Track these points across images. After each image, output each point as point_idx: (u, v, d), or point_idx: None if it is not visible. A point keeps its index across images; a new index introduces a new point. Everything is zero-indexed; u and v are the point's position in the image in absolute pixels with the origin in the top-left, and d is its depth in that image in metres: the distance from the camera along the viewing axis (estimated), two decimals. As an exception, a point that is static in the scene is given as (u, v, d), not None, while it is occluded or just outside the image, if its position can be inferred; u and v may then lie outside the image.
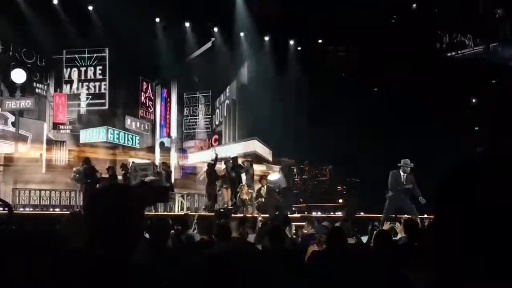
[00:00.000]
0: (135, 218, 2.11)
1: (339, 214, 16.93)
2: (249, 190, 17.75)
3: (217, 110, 26.79)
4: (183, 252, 6.23)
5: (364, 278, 3.38)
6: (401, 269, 3.74)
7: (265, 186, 17.77)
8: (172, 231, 8.39)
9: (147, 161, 21.09)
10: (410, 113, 20.49)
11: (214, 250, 5.72)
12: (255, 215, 15.57)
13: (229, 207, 16.73)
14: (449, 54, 22.25)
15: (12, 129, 21.82)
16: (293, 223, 11.09)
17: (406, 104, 20.59)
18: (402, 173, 13.13)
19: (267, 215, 15.24)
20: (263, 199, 17.24)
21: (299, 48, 24.79)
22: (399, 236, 8.67)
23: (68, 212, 13.41)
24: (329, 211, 17.88)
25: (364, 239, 8.78)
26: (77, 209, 14.57)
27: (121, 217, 2.04)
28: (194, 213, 15.85)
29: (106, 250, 1.99)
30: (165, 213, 16.60)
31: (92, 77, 23.79)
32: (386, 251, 5.11)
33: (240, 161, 19.52)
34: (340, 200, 19.21)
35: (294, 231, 10.67)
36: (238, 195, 17.87)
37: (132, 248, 2.04)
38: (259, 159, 22.85)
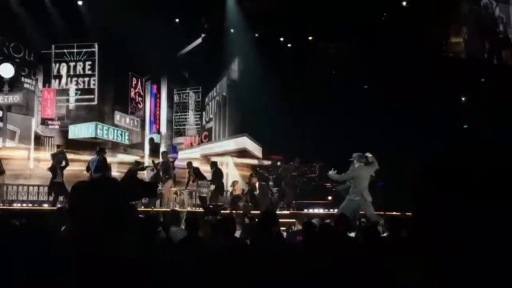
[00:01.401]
0: (120, 211, 2.12)
1: (323, 211, 17.01)
2: (241, 187, 17.84)
3: (207, 107, 26.76)
4: (170, 248, 6.24)
5: (349, 271, 3.42)
6: (385, 262, 3.78)
7: (258, 184, 17.83)
8: (160, 227, 8.40)
9: None
10: (400, 111, 20.58)
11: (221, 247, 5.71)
12: (245, 212, 15.63)
13: (218, 204, 16.76)
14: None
15: (-1, 124, 21.73)
16: (283, 220, 11.13)
17: (397, 102, 20.67)
18: None
19: (257, 212, 15.26)
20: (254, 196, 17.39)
21: (289, 45, 24.80)
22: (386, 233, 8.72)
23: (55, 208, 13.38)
24: (318, 208, 17.94)
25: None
26: (63, 204, 14.53)
27: (104, 210, 2.06)
28: (183, 209, 15.86)
29: (89, 243, 2.01)
30: (154, 208, 16.57)
31: (81, 72, 23.67)
32: (373, 245, 5.15)
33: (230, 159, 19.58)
34: (330, 197, 19.27)
35: (284, 228, 10.73)
36: (231, 191, 17.92)
37: (115, 242, 2.05)
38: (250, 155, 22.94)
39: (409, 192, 1.07)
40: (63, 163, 16.85)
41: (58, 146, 17.77)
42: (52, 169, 16.76)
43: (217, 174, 18.14)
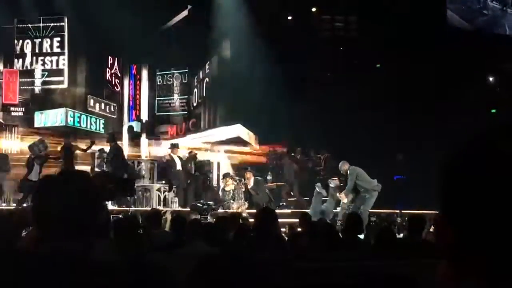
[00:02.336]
0: (90, 210, 2.10)
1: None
2: (234, 182, 17.82)
3: (195, 90, 26.70)
4: (152, 253, 6.22)
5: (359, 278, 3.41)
6: (402, 266, 3.79)
7: (252, 179, 17.83)
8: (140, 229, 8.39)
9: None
10: (417, 93, 20.56)
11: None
12: (239, 210, 15.67)
13: (209, 202, 16.75)
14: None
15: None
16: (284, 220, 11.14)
17: (412, 82, 20.65)
18: None
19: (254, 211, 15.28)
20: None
21: (289, 18, 24.72)
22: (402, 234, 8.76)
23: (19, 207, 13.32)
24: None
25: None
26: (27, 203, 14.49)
27: (73, 208, 2.03)
28: (165, 209, 15.86)
29: (55, 245, 1.98)
30: (133, 208, 16.56)
31: (49, 50, 23.54)
32: (388, 248, 5.16)
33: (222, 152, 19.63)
34: (338, 194, 19.24)
35: (284, 230, 10.73)
36: (222, 187, 17.92)
37: (86, 244, 2.04)
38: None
39: (432, 188, 1.07)
40: (42, 153, 16.74)
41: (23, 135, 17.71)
42: (28, 163, 16.68)
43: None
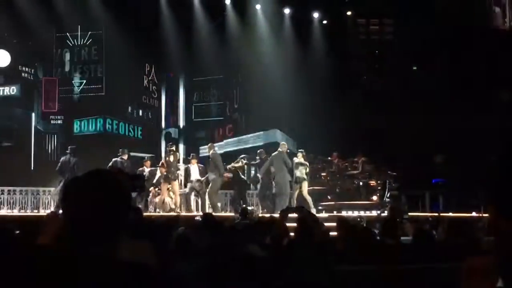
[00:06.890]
0: (119, 208, 2.07)
1: (374, 213, 16.88)
2: None
3: (232, 95, 26.73)
4: (190, 257, 6.20)
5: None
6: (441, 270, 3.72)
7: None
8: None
9: None
10: (455, 94, 20.27)
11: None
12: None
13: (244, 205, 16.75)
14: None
15: (-7, 120, 21.88)
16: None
17: (451, 84, 20.37)
18: None
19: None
20: None
21: (324, 22, 24.63)
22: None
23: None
24: (359, 210, 17.77)
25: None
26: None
27: (102, 209, 2.01)
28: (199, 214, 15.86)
29: (82, 244, 1.96)
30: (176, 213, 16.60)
31: (87, 58, 23.81)
32: (427, 249, 5.09)
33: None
34: (374, 198, 19.07)
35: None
36: None
37: (114, 243, 2.01)
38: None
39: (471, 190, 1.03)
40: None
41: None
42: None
43: None
